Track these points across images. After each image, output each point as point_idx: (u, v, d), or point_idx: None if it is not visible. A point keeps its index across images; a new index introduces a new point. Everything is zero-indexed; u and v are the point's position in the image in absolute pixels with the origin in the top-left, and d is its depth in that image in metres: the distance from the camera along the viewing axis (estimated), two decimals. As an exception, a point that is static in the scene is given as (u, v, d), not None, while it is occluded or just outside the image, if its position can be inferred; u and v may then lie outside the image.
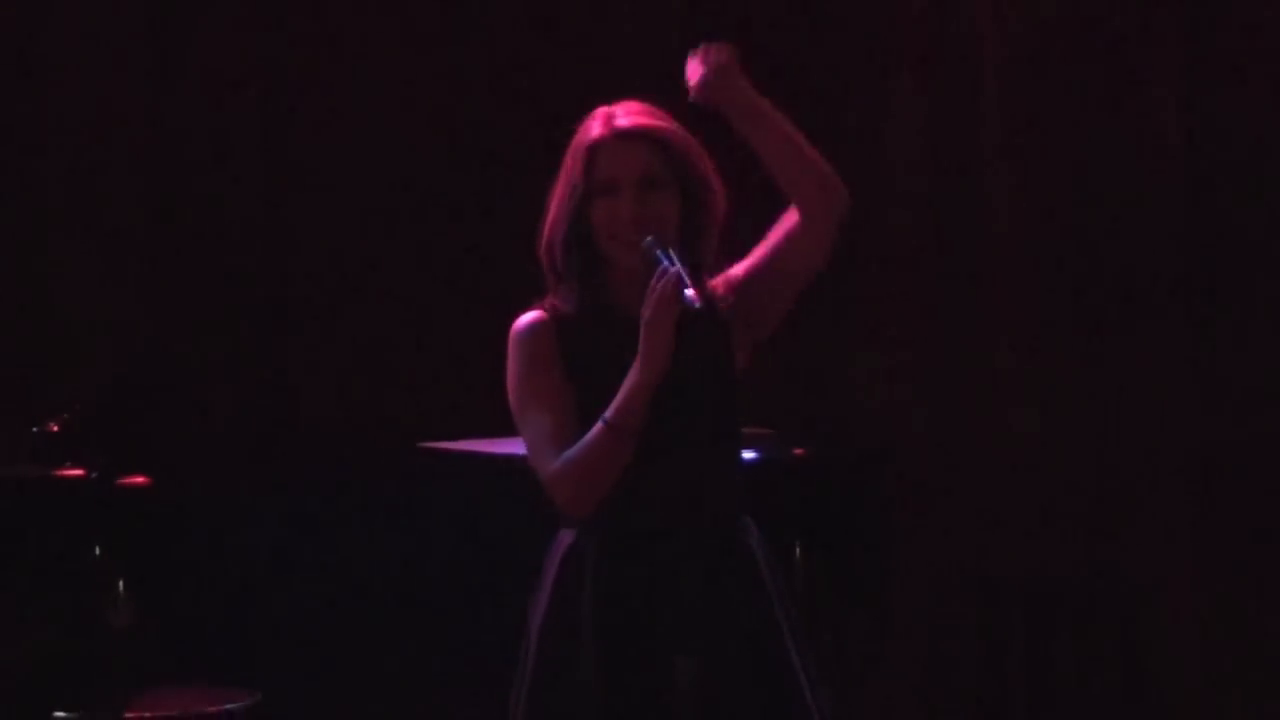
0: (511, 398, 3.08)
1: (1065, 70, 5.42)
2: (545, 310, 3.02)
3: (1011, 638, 5.25)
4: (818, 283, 3.16)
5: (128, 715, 4.43)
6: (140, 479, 4.57)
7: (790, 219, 3.02)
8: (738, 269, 3.08)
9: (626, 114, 3.05)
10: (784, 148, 3.03)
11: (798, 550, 4.55)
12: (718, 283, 3.05)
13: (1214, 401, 5.31)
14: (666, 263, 2.84)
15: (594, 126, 3.04)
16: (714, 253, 3.09)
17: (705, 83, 3.03)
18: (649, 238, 2.87)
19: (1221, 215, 5.35)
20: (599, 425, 2.87)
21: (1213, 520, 5.30)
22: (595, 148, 2.99)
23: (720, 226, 3.09)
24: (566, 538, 3.05)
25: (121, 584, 4.55)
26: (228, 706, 4.55)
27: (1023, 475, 5.37)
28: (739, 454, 3.17)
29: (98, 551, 4.43)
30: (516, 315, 3.11)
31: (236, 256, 5.44)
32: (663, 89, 3.24)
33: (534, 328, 3.01)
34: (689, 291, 2.83)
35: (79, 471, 4.53)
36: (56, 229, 5.43)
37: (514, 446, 4.33)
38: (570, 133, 3.12)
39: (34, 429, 4.63)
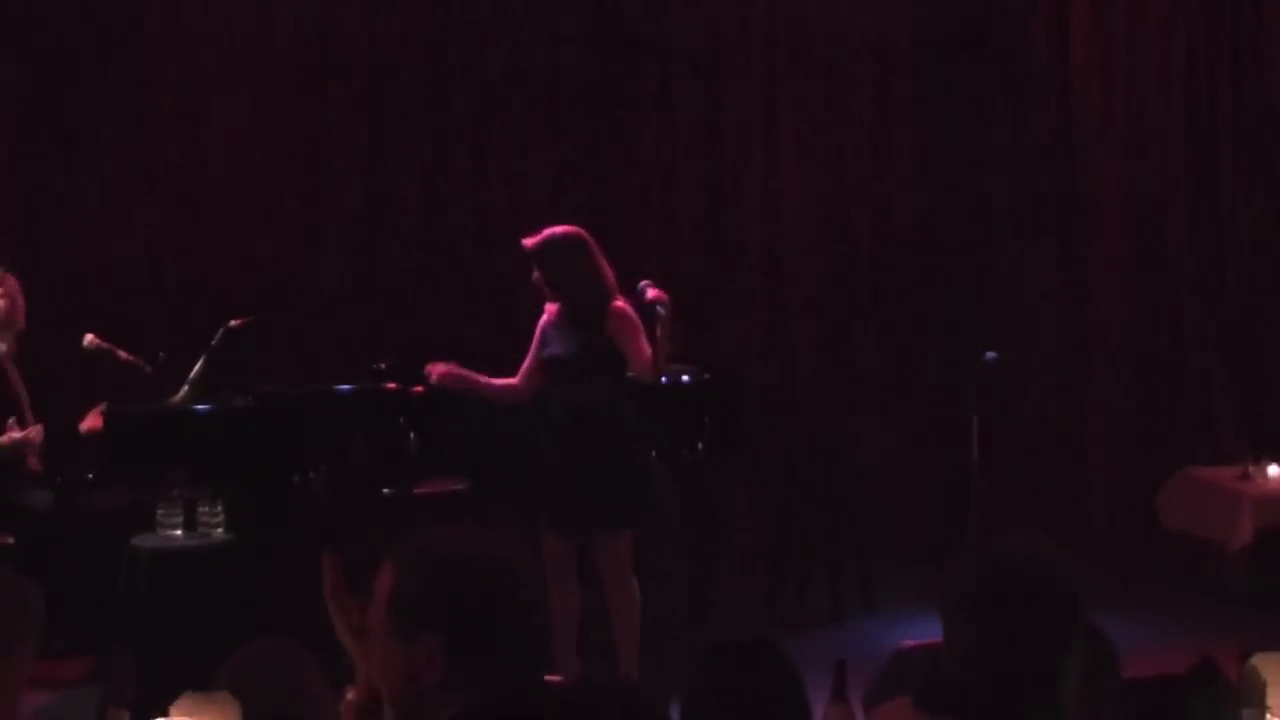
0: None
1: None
2: None
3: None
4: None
5: (415, 491, 6.69)
6: (419, 389, 6.52)
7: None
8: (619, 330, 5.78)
9: None
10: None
11: (706, 421, 7.12)
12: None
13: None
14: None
15: None
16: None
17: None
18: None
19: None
20: None
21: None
22: None
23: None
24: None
25: (413, 435, 6.64)
26: (454, 487, 6.84)
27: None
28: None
29: (401, 421, 6.60)
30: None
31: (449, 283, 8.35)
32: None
33: None
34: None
35: (393, 385, 6.68)
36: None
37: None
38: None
39: (373, 366, 6.88)
